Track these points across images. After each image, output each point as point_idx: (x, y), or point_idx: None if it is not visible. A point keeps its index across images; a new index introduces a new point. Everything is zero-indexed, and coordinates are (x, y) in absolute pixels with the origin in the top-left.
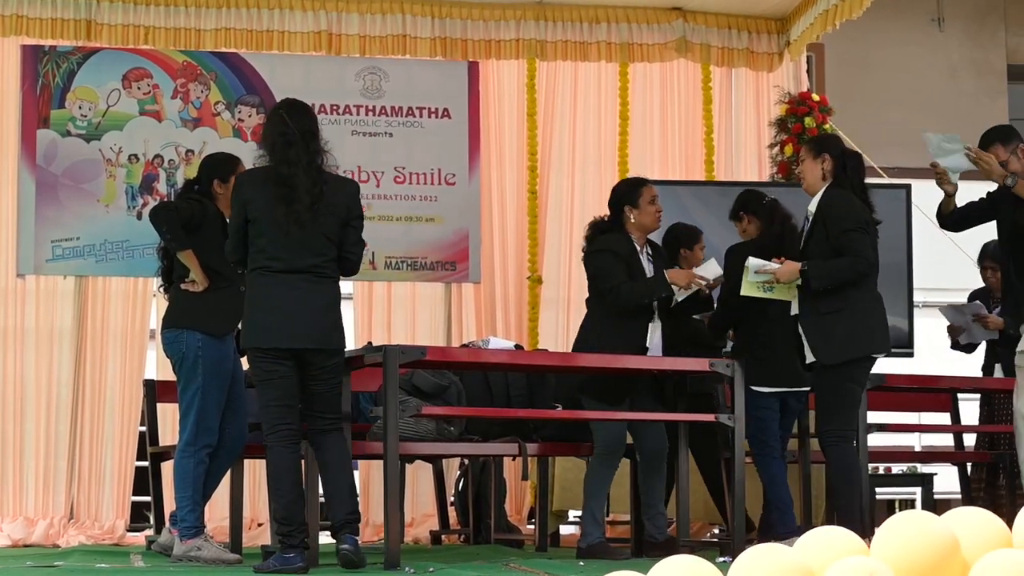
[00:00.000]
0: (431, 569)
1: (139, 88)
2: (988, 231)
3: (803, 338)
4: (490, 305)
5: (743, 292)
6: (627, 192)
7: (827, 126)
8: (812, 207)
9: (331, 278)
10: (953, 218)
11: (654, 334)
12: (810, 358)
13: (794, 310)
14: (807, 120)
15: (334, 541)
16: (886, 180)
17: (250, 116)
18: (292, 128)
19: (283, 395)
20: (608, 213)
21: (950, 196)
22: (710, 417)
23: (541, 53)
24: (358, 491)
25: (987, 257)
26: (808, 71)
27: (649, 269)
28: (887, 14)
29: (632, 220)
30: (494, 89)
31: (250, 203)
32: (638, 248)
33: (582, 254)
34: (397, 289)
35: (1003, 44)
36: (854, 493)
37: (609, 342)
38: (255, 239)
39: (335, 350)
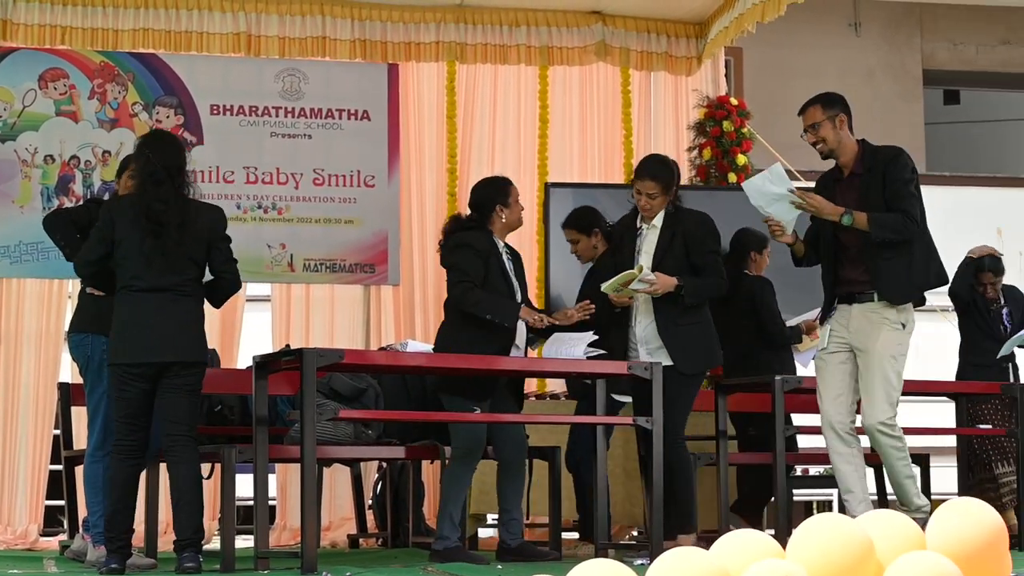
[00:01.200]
0: (348, 573)
1: (55, 88)
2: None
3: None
4: (409, 308)
5: (606, 289)
6: (498, 191)
7: (745, 130)
8: (658, 222)
9: (191, 296)
10: (809, 259)
11: (519, 334)
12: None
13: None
14: (725, 124)
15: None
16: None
17: (168, 117)
18: (159, 166)
19: (131, 413)
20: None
21: (791, 245)
22: (628, 420)
23: (461, 56)
24: (275, 494)
25: (985, 270)
26: (727, 75)
27: (509, 267)
28: (805, 18)
29: (503, 220)
30: (414, 91)
31: (118, 228)
32: (502, 248)
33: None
34: (315, 291)
35: (919, 49)
36: (694, 491)
37: (475, 340)
38: (121, 260)
39: (193, 362)
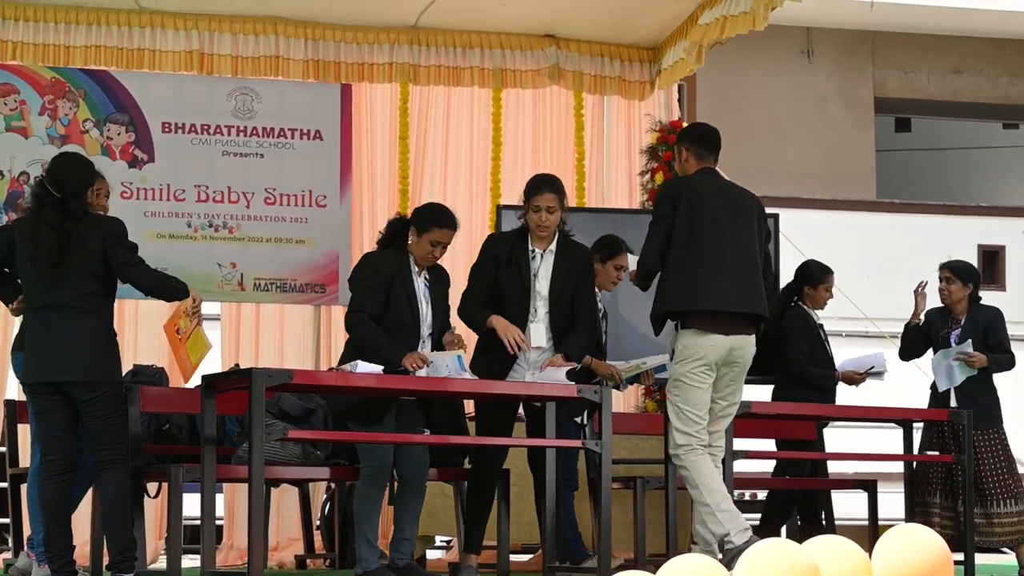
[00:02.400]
0: None
1: (6, 104)
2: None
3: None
4: None
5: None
6: (417, 218)
7: None
8: (553, 247)
9: (92, 312)
10: None
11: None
12: None
13: None
14: None
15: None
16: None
17: (119, 134)
18: (50, 189)
19: (49, 428)
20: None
21: None
22: (577, 443)
23: (414, 77)
24: (222, 513)
25: (947, 268)
26: (679, 100)
27: (422, 292)
28: (758, 45)
29: (408, 246)
30: (366, 112)
31: (17, 248)
32: (414, 270)
33: None
34: (265, 311)
35: (871, 77)
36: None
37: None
38: (22, 280)
39: (97, 382)
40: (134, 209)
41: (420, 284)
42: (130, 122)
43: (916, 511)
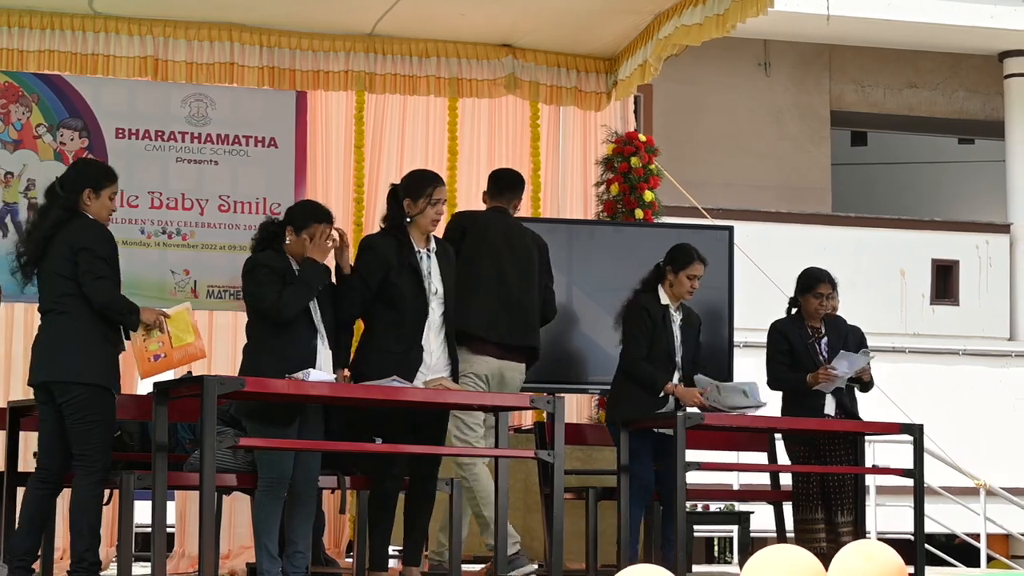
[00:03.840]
0: None
1: None
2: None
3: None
4: None
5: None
6: (297, 217)
7: (653, 167)
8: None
9: (67, 313)
10: None
11: (322, 353)
12: None
13: None
14: (633, 160)
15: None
16: (709, 221)
17: (72, 140)
18: (54, 190)
19: (42, 435)
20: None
21: None
22: (529, 453)
23: (370, 85)
24: (174, 521)
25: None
26: (636, 111)
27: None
28: (715, 57)
29: (287, 243)
30: (322, 120)
31: None
32: (296, 269)
33: None
34: (219, 318)
35: (827, 90)
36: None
37: (267, 363)
38: None
39: (69, 383)
40: None
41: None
42: (84, 127)
43: (798, 528)
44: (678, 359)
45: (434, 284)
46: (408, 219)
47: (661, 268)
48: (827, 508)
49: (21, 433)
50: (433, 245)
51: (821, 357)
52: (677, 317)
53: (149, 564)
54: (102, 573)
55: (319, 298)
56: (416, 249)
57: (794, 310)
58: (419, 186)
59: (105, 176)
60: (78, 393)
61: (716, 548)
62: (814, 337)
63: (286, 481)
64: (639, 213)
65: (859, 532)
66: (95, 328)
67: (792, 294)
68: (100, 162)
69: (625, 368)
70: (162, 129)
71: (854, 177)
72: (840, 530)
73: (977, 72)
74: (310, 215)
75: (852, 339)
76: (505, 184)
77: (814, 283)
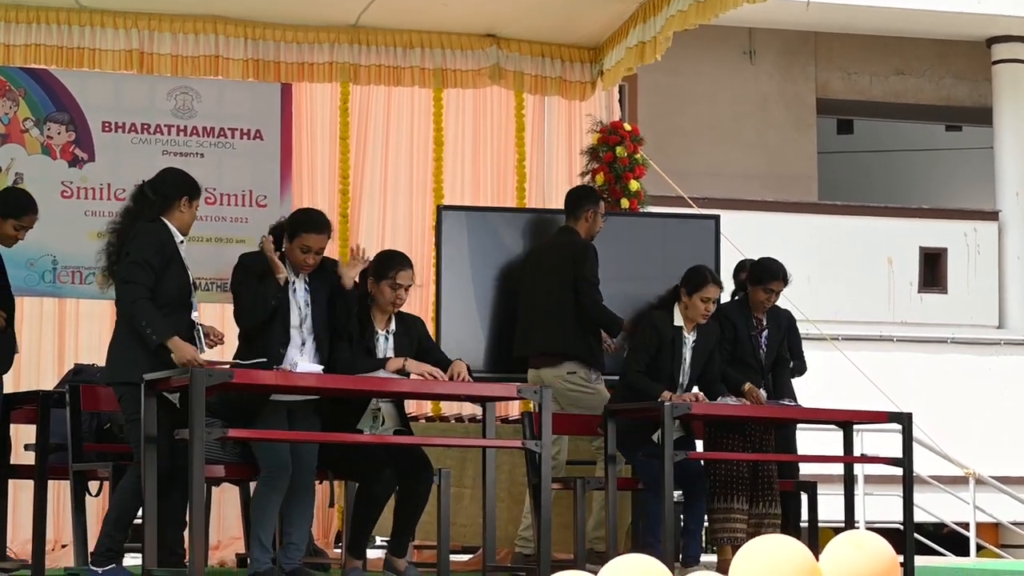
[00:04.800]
0: None
1: None
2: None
3: None
4: None
5: None
6: (292, 224)
7: (638, 156)
8: None
9: (120, 315)
10: None
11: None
12: None
13: None
14: (618, 149)
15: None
16: (695, 210)
17: (59, 133)
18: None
19: None
20: None
21: None
22: (517, 443)
23: (354, 77)
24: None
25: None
26: (620, 100)
27: (302, 296)
28: (700, 45)
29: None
30: (307, 112)
31: None
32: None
33: None
34: (206, 311)
35: (813, 78)
36: None
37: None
38: None
39: (115, 384)
40: (75, 208)
41: (299, 287)
42: (70, 121)
43: (717, 518)
44: (682, 380)
45: None
46: (369, 300)
47: (678, 288)
48: (752, 499)
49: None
50: (393, 326)
51: (761, 351)
52: (690, 339)
53: (140, 555)
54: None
55: (315, 301)
56: (376, 330)
57: (738, 296)
58: (384, 267)
59: (198, 189)
60: (121, 392)
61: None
62: (757, 329)
63: (286, 472)
64: (625, 203)
65: (786, 526)
66: (128, 328)
67: (742, 278)
68: (188, 175)
69: (621, 378)
70: (148, 122)
71: (841, 165)
72: (765, 521)
73: (965, 58)
74: (301, 225)
75: (784, 325)
76: (566, 204)
77: (769, 279)
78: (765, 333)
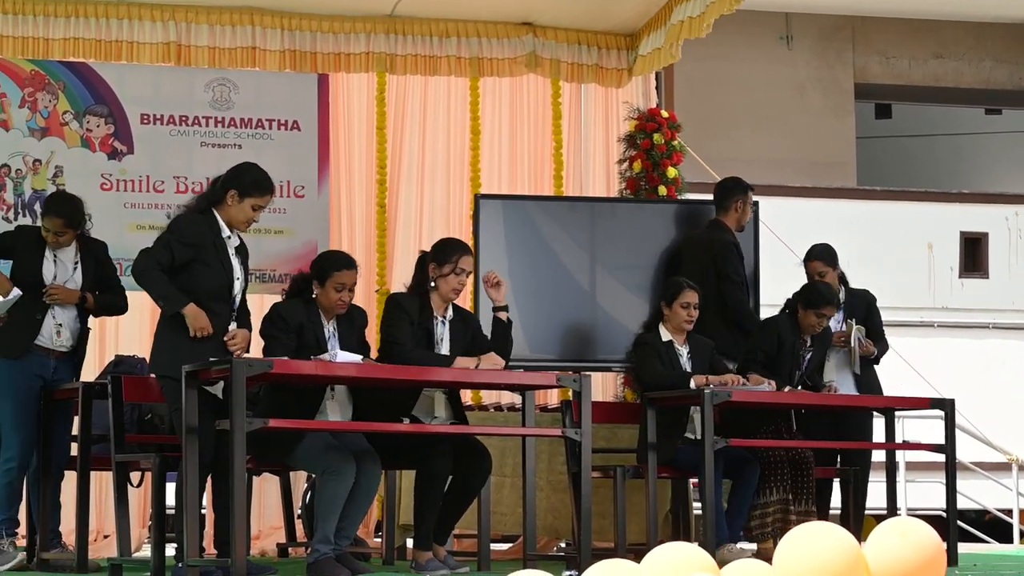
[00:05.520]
0: None
1: None
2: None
3: None
4: None
5: None
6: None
7: (675, 143)
8: None
9: None
10: None
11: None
12: None
13: None
14: (656, 136)
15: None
16: None
17: (98, 126)
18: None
19: None
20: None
21: None
22: (556, 432)
23: (391, 66)
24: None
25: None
26: (657, 87)
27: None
28: (736, 31)
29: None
30: (343, 102)
31: None
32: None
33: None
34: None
35: (851, 63)
36: None
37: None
38: None
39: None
40: (114, 201)
41: (330, 333)
42: (109, 114)
43: (754, 514)
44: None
45: (443, 350)
46: (432, 284)
47: (659, 309)
48: (792, 491)
49: None
50: (450, 314)
51: (798, 372)
52: (684, 351)
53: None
54: (136, 555)
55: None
56: (435, 315)
57: (787, 311)
58: (446, 252)
59: (255, 186)
60: (162, 384)
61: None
62: (804, 348)
63: (348, 465)
64: (662, 190)
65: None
66: (170, 320)
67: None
68: (261, 172)
69: (643, 388)
70: (186, 114)
71: (879, 150)
72: (798, 516)
73: (1004, 40)
74: (330, 265)
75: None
76: (714, 197)
77: (822, 303)
78: (809, 355)
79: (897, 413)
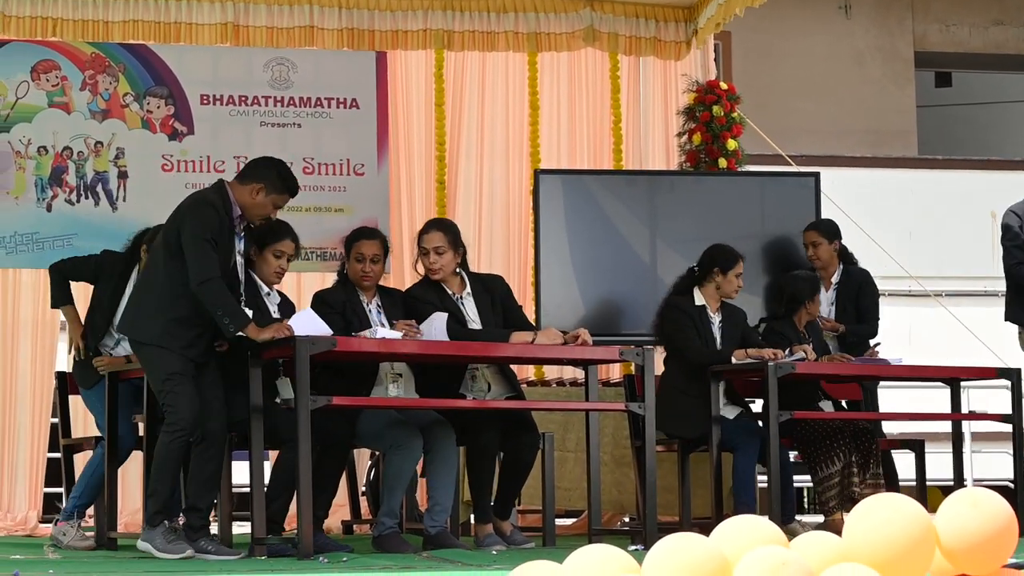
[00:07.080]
0: (344, 559)
1: (48, 80)
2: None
3: None
4: None
5: None
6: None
7: (735, 115)
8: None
9: None
10: None
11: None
12: None
13: None
14: (715, 109)
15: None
16: (794, 168)
17: (159, 108)
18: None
19: None
20: None
21: None
22: (620, 406)
23: (448, 43)
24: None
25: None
26: (716, 59)
27: (375, 318)
28: (794, 3)
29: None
30: (402, 79)
31: None
32: (363, 299)
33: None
34: (306, 280)
35: (910, 31)
36: None
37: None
38: None
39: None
40: (175, 181)
41: (373, 309)
42: (169, 95)
43: (820, 488)
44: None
45: (474, 325)
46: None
47: (695, 272)
48: (857, 461)
49: None
50: (468, 287)
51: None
52: (716, 319)
53: (248, 523)
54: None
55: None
56: (451, 294)
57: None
58: (419, 238)
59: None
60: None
61: (807, 497)
62: (807, 339)
63: (415, 439)
64: (723, 162)
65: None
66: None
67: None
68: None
69: (686, 363)
70: (245, 94)
71: (940, 119)
72: (864, 485)
73: None
74: (352, 238)
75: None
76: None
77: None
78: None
79: (963, 383)
